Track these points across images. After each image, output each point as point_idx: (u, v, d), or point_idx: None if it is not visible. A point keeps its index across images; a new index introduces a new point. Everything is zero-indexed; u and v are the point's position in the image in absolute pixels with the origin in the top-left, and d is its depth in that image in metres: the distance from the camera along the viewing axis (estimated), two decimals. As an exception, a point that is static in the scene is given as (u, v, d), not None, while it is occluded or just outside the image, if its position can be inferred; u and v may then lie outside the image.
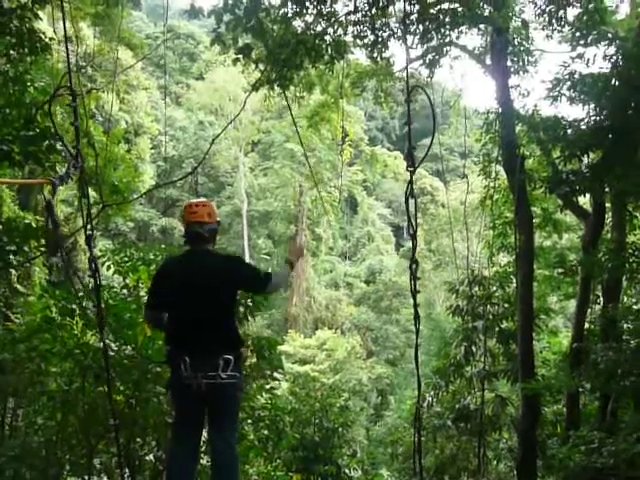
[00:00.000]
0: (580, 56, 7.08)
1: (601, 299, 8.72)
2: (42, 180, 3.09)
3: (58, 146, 5.87)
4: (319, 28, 8.76)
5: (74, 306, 6.37)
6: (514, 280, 9.54)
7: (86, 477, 6.42)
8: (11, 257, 5.68)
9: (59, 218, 16.77)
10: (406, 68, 8.15)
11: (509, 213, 10.61)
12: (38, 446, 6.29)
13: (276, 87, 9.15)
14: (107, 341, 4.80)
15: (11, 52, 6.76)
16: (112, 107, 17.44)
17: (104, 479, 6.61)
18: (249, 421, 7.24)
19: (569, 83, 6.79)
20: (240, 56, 8.46)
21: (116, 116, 24.24)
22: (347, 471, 10.65)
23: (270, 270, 3.89)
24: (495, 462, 10.26)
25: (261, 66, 8.81)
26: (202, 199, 3.94)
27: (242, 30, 7.81)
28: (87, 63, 16.18)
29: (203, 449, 4.33)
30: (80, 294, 6.37)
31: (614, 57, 6.68)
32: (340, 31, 8.84)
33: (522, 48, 9.29)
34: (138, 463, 6.65)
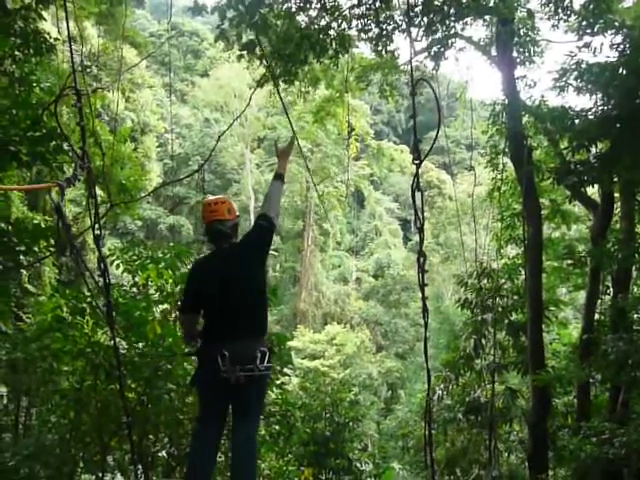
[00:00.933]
0: (587, 45, 7.02)
1: (611, 290, 8.67)
2: (49, 184, 3.10)
3: (65, 146, 5.90)
4: (323, 22, 8.73)
5: (84, 305, 6.42)
6: (523, 272, 9.50)
7: (100, 474, 6.48)
8: (21, 257, 5.72)
9: (68, 219, 16.86)
10: (411, 61, 8.14)
11: (517, 205, 10.56)
12: (52, 444, 6.35)
13: (281, 83, 9.14)
14: (117, 339, 4.83)
15: (16, 53, 6.79)
16: (118, 106, 17.50)
17: (118, 476, 6.68)
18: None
19: (576, 73, 6.73)
20: (244, 52, 8.45)
21: (122, 115, 24.31)
22: (358, 465, 10.68)
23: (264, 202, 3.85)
24: (506, 454, 10.26)
25: (265, 62, 8.79)
26: (219, 196, 3.92)
27: (246, 26, 7.80)
28: (92, 63, 16.22)
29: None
30: (90, 293, 6.42)
31: (621, 46, 6.61)
32: (344, 25, 8.80)
33: (528, 38, 9.22)
34: (151, 460, 6.71)
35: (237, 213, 3.76)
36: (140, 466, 5.57)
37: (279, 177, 3.87)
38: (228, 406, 3.56)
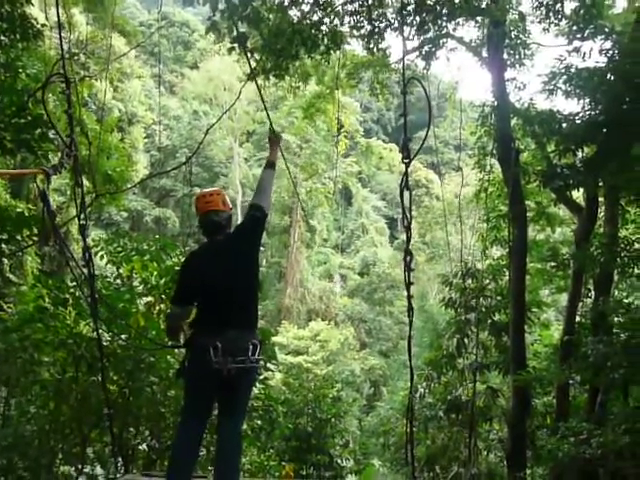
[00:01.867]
0: (576, 50, 7.07)
1: (592, 293, 8.77)
2: (35, 170, 3.05)
3: (51, 134, 5.82)
4: (315, 18, 8.71)
5: (67, 296, 6.35)
6: (507, 273, 9.59)
7: (79, 466, 6.42)
8: (3, 246, 5.64)
9: (53, 207, 16.64)
10: (402, 59, 8.15)
11: (503, 206, 10.64)
12: (31, 435, 6.29)
13: (272, 77, 9.09)
14: (100, 331, 4.79)
15: (2, 38, 6.67)
16: (105, 95, 17.28)
17: (97, 468, 6.62)
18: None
19: (565, 77, 6.78)
20: (235, 45, 8.39)
21: (109, 104, 24.02)
22: (339, 461, 10.73)
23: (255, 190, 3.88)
24: (485, 452, 10.36)
25: (256, 55, 8.74)
26: (214, 188, 3.94)
27: (238, 19, 7.74)
28: (80, 50, 16.00)
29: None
30: (73, 284, 6.35)
31: (610, 51, 6.67)
32: (336, 21, 8.78)
33: (519, 41, 9.28)
34: (131, 452, 6.67)
35: (230, 206, 3.76)
36: (120, 459, 5.53)
37: (270, 165, 3.86)
38: (214, 399, 3.55)
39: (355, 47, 11.22)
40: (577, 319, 8.62)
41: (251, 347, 3.35)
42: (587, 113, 6.83)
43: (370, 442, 14.82)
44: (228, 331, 3.37)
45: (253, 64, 8.97)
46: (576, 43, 7.15)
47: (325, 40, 8.65)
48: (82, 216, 3.36)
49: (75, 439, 6.52)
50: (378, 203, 43.03)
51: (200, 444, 3.67)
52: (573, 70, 6.75)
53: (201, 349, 3.33)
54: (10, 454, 5.97)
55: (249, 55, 8.69)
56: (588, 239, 8.35)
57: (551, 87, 6.97)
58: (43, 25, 7.38)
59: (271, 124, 4.55)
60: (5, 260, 10.70)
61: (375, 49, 9.61)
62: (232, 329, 3.39)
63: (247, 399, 3.65)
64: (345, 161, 36.02)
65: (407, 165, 3.05)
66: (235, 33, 7.90)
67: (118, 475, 4.54)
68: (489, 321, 10.08)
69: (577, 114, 6.90)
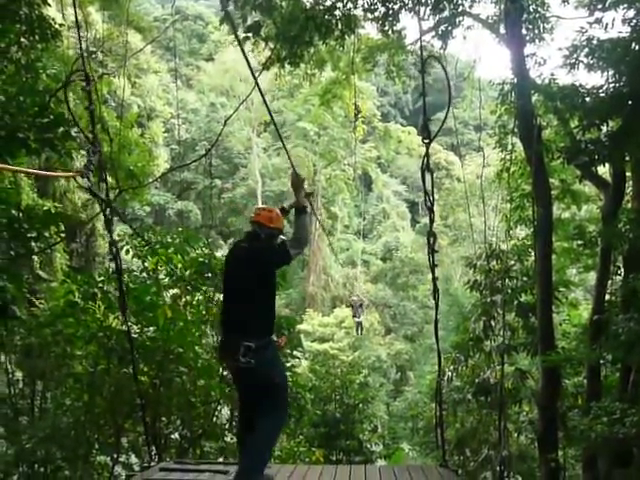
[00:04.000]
0: (598, 21, 6.85)
1: (622, 270, 8.60)
2: (73, 173, 3.15)
3: (73, 132, 5.90)
4: (328, 2, 8.62)
5: (96, 290, 6.48)
6: (532, 253, 9.45)
7: (115, 455, 6.59)
8: (32, 244, 5.77)
9: (77, 205, 16.97)
10: (419, 39, 8.02)
11: (526, 185, 10.46)
12: (67, 427, 6.47)
13: (287, 65, 9.05)
14: (129, 323, 4.89)
15: (22, 40, 6.77)
16: (124, 92, 17.44)
17: (132, 457, 6.79)
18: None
19: (587, 49, 6.59)
20: (249, 35, 8.37)
21: (128, 101, 24.25)
22: (368, 446, 10.80)
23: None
24: (516, 434, 10.30)
25: (271, 44, 8.71)
26: (268, 207, 4.23)
27: (250, 8, 7.72)
28: (97, 48, 16.14)
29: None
30: (101, 278, 6.47)
31: (634, 20, 6.45)
32: (350, 5, 8.68)
33: (537, 15, 9.04)
34: (164, 441, 6.81)
35: (279, 226, 3.97)
36: (154, 447, 5.66)
37: (300, 211, 4.04)
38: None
39: (370, 30, 11.09)
40: (607, 297, 8.46)
41: (242, 349, 3.53)
42: (611, 85, 6.64)
43: (399, 426, 14.88)
44: (228, 330, 3.70)
45: (268, 53, 8.95)
46: (597, 14, 6.91)
47: (339, 25, 8.56)
48: (107, 211, 3.42)
49: (110, 429, 6.69)
50: (398, 187, 42.72)
51: (247, 429, 3.82)
52: (595, 42, 6.55)
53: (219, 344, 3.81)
54: (48, 445, 6.15)
55: (264, 44, 8.68)
56: (616, 215, 8.16)
57: (573, 61, 6.78)
58: (61, 25, 7.45)
59: (294, 167, 4.76)
60: (35, 257, 10.95)
61: (390, 31, 9.48)
62: (228, 328, 3.71)
63: (263, 396, 3.71)
64: (364, 147, 35.79)
65: (427, 145, 3.02)
66: (249, 22, 7.88)
67: (152, 463, 4.65)
68: (515, 302, 9.96)
69: (600, 87, 6.71)
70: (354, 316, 20.01)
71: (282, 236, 3.98)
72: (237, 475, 3.67)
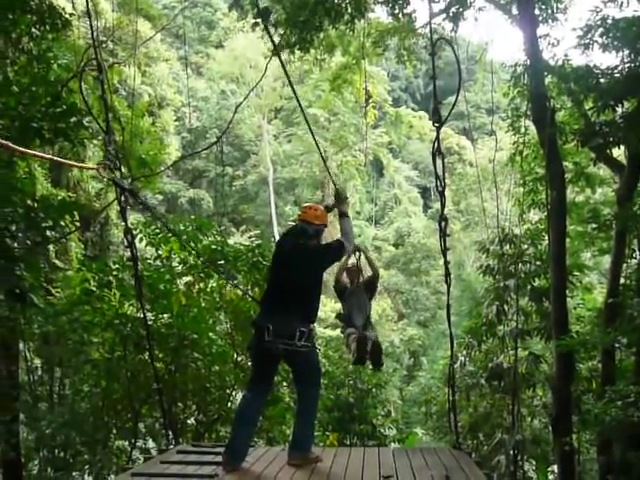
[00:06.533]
0: (613, 0, 6.73)
1: (637, 253, 8.52)
2: (95, 166, 3.22)
3: (85, 122, 5.94)
4: (338, -14, 8.53)
5: (111, 278, 6.56)
6: (546, 237, 9.37)
7: (132, 440, 6.72)
8: (48, 233, 5.85)
9: (90, 194, 17.12)
10: (429, 22, 7.92)
11: (540, 169, 10.35)
12: (86, 412, 6.60)
13: (297, 51, 9.00)
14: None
15: (33, 30, 6.79)
16: (134, 81, 17.46)
17: (149, 442, 6.91)
18: (284, 384, 7.43)
19: (601, 29, 6.47)
20: (259, 20, 8.33)
21: (139, 90, 24.27)
22: (382, 430, 10.86)
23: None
24: (529, 419, 10.31)
25: (280, 30, 8.66)
26: (316, 205, 4.62)
27: (260, -7, 7.67)
28: (107, 37, 16.16)
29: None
30: (116, 266, 6.54)
31: (650, -2, 6.33)
32: (360, -12, 8.59)
33: (551, -6, 8.88)
34: (180, 426, 6.93)
35: (324, 222, 4.35)
36: (170, 432, 5.76)
37: (342, 215, 4.53)
38: (275, 368, 4.37)
39: (380, 14, 10.99)
40: (621, 281, 8.40)
41: (298, 333, 3.89)
42: (626, 66, 6.52)
43: (412, 411, 14.96)
44: (279, 316, 3.95)
45: (277, 39, 8.90)
46: (613, -8, 6.79)
47: (349, 9, 8.49)
48: (122, 199, 3.46)
49: (127, 415, 6.81)
50: (410, 173, 42.41)
51: (257, 411, 4.27)
52: (610, 21, 6.43)
53: (259, 328, 3.97)
54: (67, 430, 6.29)
55: (273, 30, 8.62)
56: (631, 198, 8.07)
57: (587, 41, 6.67)
58: (71, 15, 7.47)
59: (334, 183, 5.84)
60: (51, 247, 11.09)
61: (400, 14, 9.38)
62: (282, 315, 3.95)
63: (309, 372, 4.18)
64: (375, 132, 35.53)
65: (438, 129, 3.01)
66: (258, 8, 7.84)
67: (170, 447, 4.74)
68: (529, 287, 9.90)
69: (615, 67, 6.60)
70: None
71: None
72: (294, 442, 4.13)
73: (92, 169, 4.08)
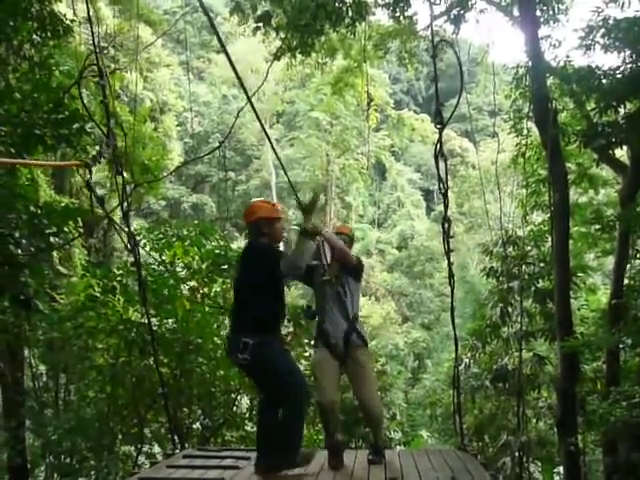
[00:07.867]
0: (614, 0, 6.73)
1: (641, 254, 8.50)
2: (76, 162, 3.19)
3: (87, 128, 5.97)
4: (338, -10, 8.55)
5: (115, 284, 6.57)
6: (549, 239, 9.36)
7: (138, 445, 6.71)
8: (52, 239, 5.87)
9: (93, 201, 17.13)
10: (431, 24, 7.92)
11: (542, 170, 10.33)
12: (91, 418, 6.60)
13: (298, 55, 9.02)
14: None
15: (34, 37, 6.83)
16: (136, 86, 17.51)
17: (155, 447, 6.91)
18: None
19: (603, 30, 6.47)
20: (260, 24, 8.35)
21: (141, 95, 24.35)
22: (387, 433, 10.83)
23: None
24: (534, 420, 10.27)
25: (281, 34, 8.68)
26: (255, 200, 4.31)
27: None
28: (108, 43, 16.22)
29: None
30: (120, 272, 6.56)
31: (651, -1, 6.33)
32: (360, -9, 8.61)
33: (551, -4, 8.89)
34: (186, 431, 6.92)
35: (257, 217, 3.77)
36: (176, 437, 5.76)
37: (303, 233, 3.70)
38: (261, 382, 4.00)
39: (380, 17, 11.00)
40: (625, 281, 8.37)
41: (241, 345, 3.56)
42: (628, 66, 6.52)
43: (417, 414, 14.89)
44: (231, 326, 3.84)
45: (278, 44, 8.93)
46: (613, -7, 6.79)
47: (349, 12, 8.50)
48: (125, 204, 3.46)
49: (133, 420, 6.81)
50: (413, 176, 42.43)
51: (268, 419, 3.85)
52: (611, 22, 6.43)
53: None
54: (73, 436, 6.29)
55: (274, 34, 8.65)
56: (634, 199, 8.05)
57: (588, 42, 6.67)
58: (72, 21, 7.50)
59: (317, 193, 4.88)
60: (55, 253, 11.12)
61: (401, 17, 9.40)
62: (233, 324, 3.82)
63: (270, 386, 3.76)
64: (377, 135, 35.54)
65: (440, 131, 3.01)
66: (259, 12, 7.86)
67: (176, 452, 4.74)
68: (533, 288, 9.88)
69: (617, 68, 6.60)
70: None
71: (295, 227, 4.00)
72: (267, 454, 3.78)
73: (73, 165, 4.07)
